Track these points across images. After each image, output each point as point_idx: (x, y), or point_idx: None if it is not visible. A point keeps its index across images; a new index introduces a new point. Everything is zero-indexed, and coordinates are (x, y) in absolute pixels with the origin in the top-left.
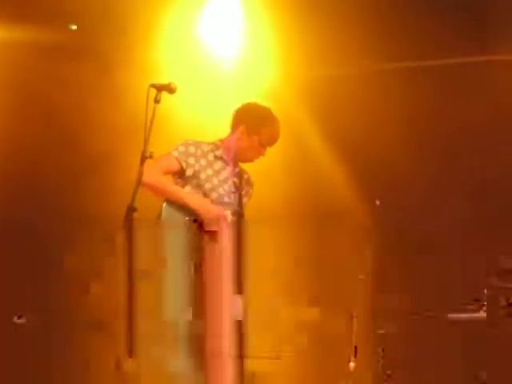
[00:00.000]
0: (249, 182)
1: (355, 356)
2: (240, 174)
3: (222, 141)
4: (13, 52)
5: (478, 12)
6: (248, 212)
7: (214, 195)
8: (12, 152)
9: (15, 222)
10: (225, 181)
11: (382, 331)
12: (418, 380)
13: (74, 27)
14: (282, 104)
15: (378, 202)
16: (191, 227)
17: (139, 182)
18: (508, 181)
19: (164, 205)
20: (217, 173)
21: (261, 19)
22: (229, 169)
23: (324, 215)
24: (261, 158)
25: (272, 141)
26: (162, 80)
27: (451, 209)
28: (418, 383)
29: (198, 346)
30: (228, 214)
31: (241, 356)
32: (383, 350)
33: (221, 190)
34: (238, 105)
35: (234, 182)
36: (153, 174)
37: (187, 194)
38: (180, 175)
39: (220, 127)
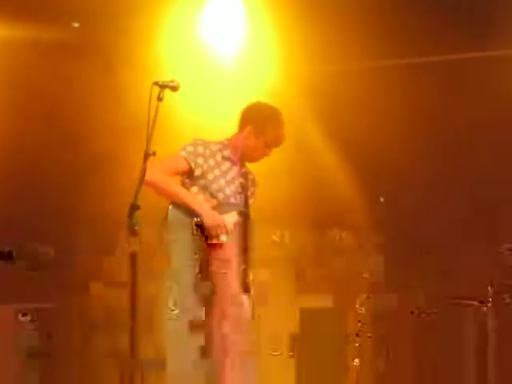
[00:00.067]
0: (254, 183)
1: None
2: (246, 175)
3: (229, 140)
4: (15, 50)
5: (479, 8)
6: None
7: (220, 196)
8: (13, 150)
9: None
10: (232, 181)
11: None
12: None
13: (77, 25)
14: (283, 103)
15: (382, 199)
16: (196, 229)
17: (142, 180)
18: (510, 177)
19: (170, 207)
20: (224, 173)
21: (262, 19)
22: (236, 169)
23: (327, 215)
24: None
25: (278, 142)
26: (164, 78)
27: (453, 206)
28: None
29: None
30: (233, 217)
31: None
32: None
33: (227, 191)
34: (239, 104)
35: (241, 183)
36: (159, 174)
37: (191, 198)
38: (188, 175)
39: (222, 126)
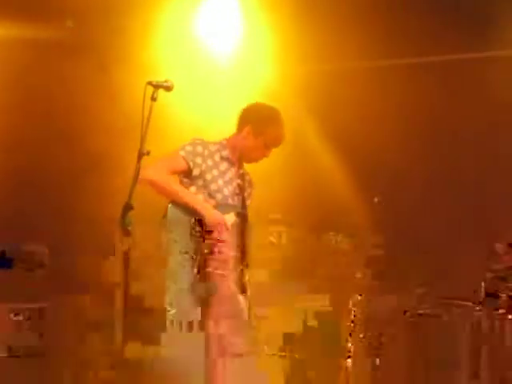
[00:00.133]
0: (251, 184)
1: None
2: (243, 176)
3: (227, 140)
4: (10, 49)
5: (477, 8)
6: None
7: (218, 196)
8: (8, 149)
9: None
10: (229, 182)
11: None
12: None
13: (71, 25)
14: (279, 103)
15: (376, 200)
16: (195, 228)
17: (136, 180)
18: (508, 177)
19: (169, 205)
20: (222, 174)
21: (258, 18)
22: (234, 170)
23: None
24: None
25: (277, 142)
26: (159, 78)
27: (450, 206)
28: None
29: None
30: (231, 218)
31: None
32: None
33: (225, 192)
34: (235, 103)
35: (238, 184)
36: (158, 173)
37: (191, 196)
38: (186, 175)
39: (217, 125)
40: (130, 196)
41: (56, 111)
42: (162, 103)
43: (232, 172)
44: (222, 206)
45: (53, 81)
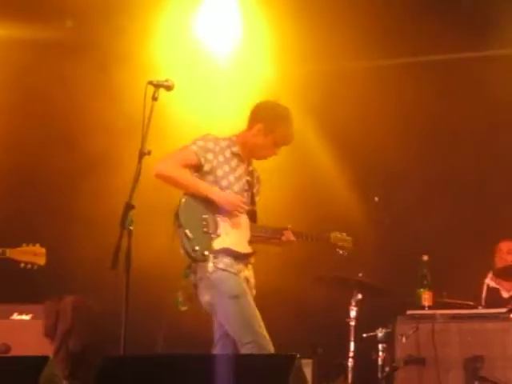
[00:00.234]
0: (259, 180)
1: None
2: (252, 173)
3: (237, 136)
4: (9, 49)
5: (477, 7)
6: None
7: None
8: (8, 149)
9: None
10: (239, 178)
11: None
12: None
13: (70, 25)
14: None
15: (376, 199)
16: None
17: (137, 179)
18: (506, 177)
19: (183, 199)
20: (233, 170)
21: (257, 18)
22: (243, 166)
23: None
24: None
25: (287, 141)
26: (159, 78)
27: (448, 205)
28: None
29: None
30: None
31: None
32: None
33: (235, 188)
34: (234, 102)
35: (248, 181)
36: (170, 166)
37: (205, 186)
38: (197, 170)
39: (217, 124)
40: (130, 196)
41: (56, 111)
42: (162, 103)
43: (242, 168)
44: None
45: (52, 81)
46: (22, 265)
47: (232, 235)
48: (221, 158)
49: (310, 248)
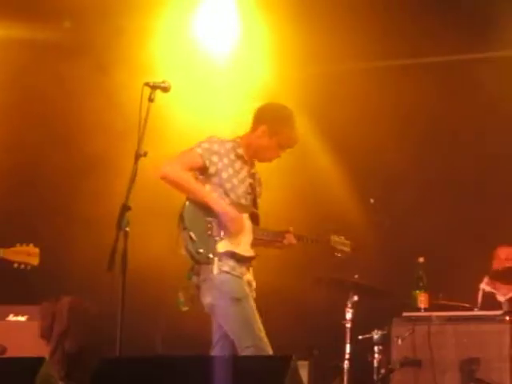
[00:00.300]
0: (260, 183)
1: None
2: (254, 175)
3: (241, 138)
4: (7, 50)
5: (475, 8)
6: None
7: (232, 195)
8: (5, 150)
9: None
10: (242, 181)
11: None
12: None
13: (68, 25)
14: None
15: (372, 201)
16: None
17: (133, 180)
18: (505, 179)
19: (187, 203)
20: (237, 173)
21: (255, 19)
22: (246, 169)
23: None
24: None
25: (291, 143)
26: (157, 79)
27: (446, 207)
28: None
29: None
30: (245, 220)
31: None
32: None
33: (239, 191)
34: (232, 104)
35: (250, 183)
36: (176, 170)
37: (207, 194)
38: (202, 172)
39: (215, 125)
40: (127, 197)
41: (54, 112)
42: (159, 104)
43: (245, 171)
44: (234, 206)
45: (51, 81)
46: (16, 265)
47: (235, 238)
48: (226, 161)
49: (309, 249)
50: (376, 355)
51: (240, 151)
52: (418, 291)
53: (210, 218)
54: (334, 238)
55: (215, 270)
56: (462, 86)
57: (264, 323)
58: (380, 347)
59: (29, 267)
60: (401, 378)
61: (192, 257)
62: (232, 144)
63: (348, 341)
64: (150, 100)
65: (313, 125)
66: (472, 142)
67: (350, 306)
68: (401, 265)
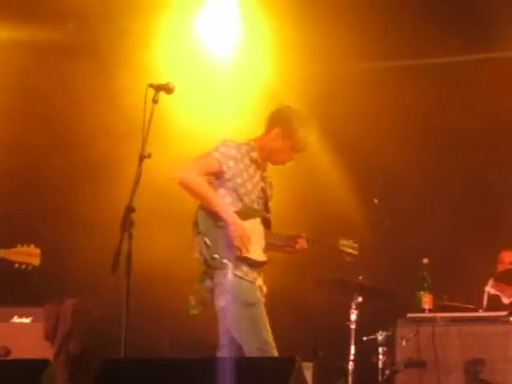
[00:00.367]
0: (271, 186)
1: None
2: (265, 179)
3: (255, 141)
4: (10, 51)
5: (474, 10)
6: None
7: (246, 200)
8: (8, 152)
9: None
10: (256, 185)
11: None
12: None
13: (72, 27)
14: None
15: (376, 201)
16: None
17: (138, 182)
18: (507, 180)
19: (199, 210)
20: (251, 177)
21: (257, 20)
22: (259, 173)
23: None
24: None
25: (304, 146)
26: (160, 81)
27: (448, 207)
28: None
29: None
30: (257, 225)
31: None
32: None
33: (252, 196)
34: (235, 104)
35: (262, 187)
36: (191, 174)
37: (220, 204)
38: (217, 177)
39: (217, 127)
40: (131, 198)
41: (56, 114)
42: (162, 105)
43: (258, 175)
44: (247, 211)
45: (53, 84)
46: (17, 265)
47: (248, 244)
48: (241, 165)
49: (311, 250)
50: (380, 356)
51: (254, 155)
52: (422, 292)
53: (221, 223)
54: (343, 242)
55: (229, 275)
56: (462, 86)
57: (269, 325)
58: (384, 348)
59: (30, 267)
60: (405, 379)
61: (206, 261)
62: (246, 147)
63: (352, 342)
64: (154, 101)
65: (314, 125)
66: (473, 143)
67: (354, 307)
68: (405, 266)
